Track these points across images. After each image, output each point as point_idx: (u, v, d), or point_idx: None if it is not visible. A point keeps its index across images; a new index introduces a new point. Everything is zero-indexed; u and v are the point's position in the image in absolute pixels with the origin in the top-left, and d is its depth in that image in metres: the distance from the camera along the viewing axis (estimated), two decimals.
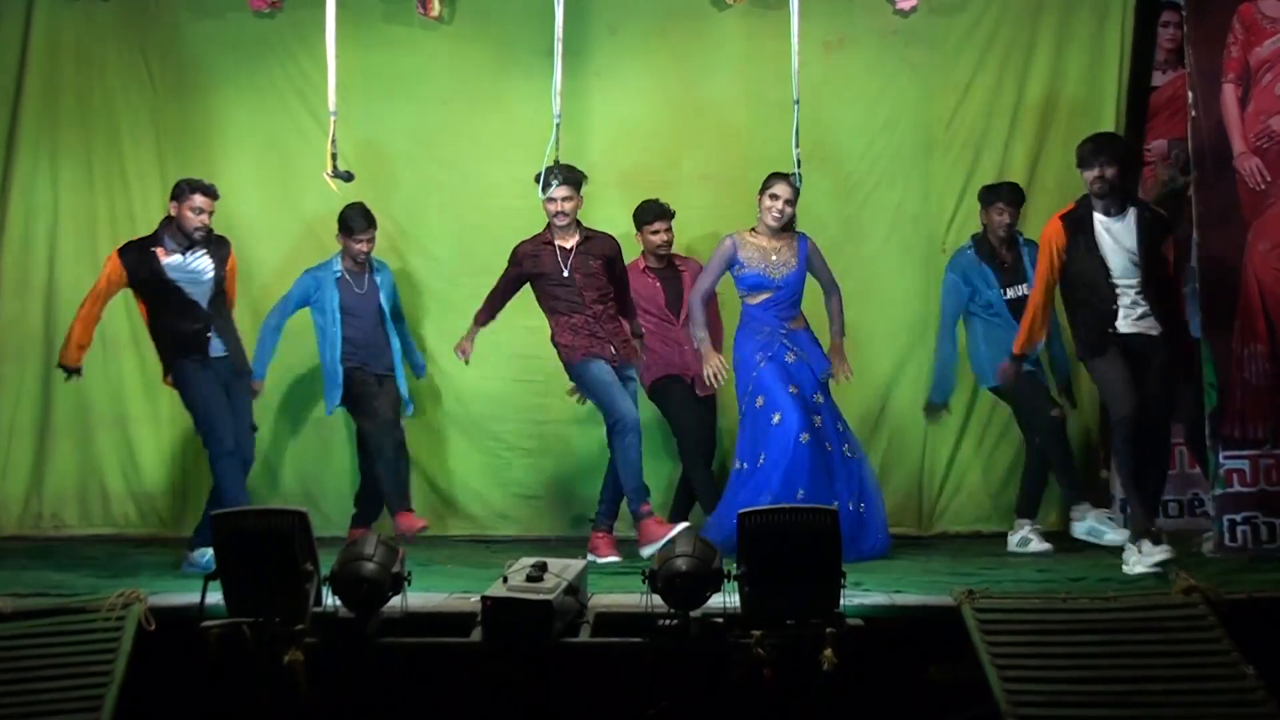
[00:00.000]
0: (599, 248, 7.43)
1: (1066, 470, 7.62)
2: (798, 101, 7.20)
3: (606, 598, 5.93)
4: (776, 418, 7.29)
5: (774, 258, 7.45)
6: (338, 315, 7.80)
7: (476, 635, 5.40)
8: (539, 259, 7.40)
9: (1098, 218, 6.81)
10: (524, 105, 8.27)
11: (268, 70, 8.57)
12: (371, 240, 7.86)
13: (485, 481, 8.47)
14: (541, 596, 5.31)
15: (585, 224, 7.53)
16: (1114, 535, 7.27)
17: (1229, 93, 7.40)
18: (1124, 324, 6.81)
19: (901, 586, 6.24)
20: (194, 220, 7.17)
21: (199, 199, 7.18)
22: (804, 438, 7.21)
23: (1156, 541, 6.60)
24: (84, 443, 8.46)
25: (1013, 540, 7.66)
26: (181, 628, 5.32)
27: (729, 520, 7.00)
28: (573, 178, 7.32)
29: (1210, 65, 7.42)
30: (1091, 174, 6.77)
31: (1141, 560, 6.57)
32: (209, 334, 7.19)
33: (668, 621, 5.32)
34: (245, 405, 7.38)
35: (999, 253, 7.71)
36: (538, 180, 7.26)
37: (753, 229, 7.51)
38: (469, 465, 8.52)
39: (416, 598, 5.62)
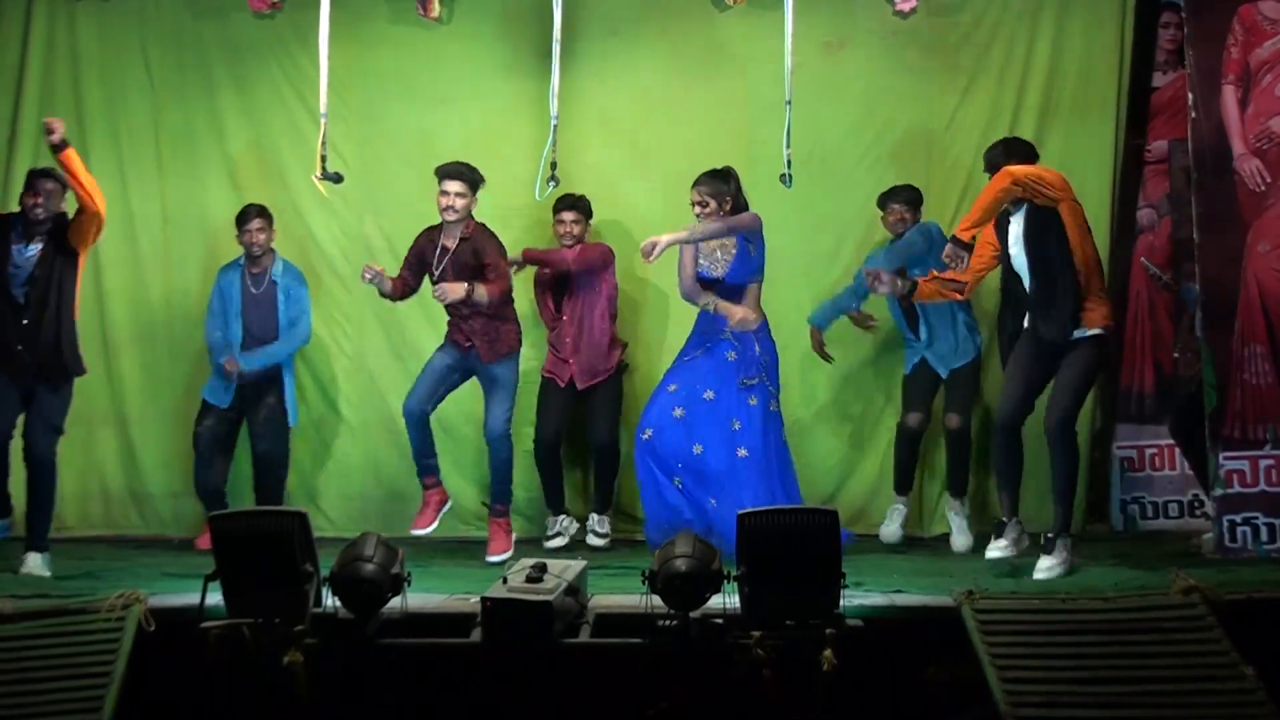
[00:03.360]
0: (470, 248, 7.47)
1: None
2: (789, 102, 7.20)
3: (606, 598, 5.93)
4: (679, 411, 7.28)
5: (718, 254, 7.40)
6: (238, 311, 7.89)
7: (476, 636, 5.40)
8: (424, 250, 7.53)
9: (1011, 217, 6.78)
10: (523, 106, 8.30)
11: (267, 71, 8.57)
12: (261, 231, 7.92)
13: (482, 482, 8.42)
14: (541, 597, 5.31)
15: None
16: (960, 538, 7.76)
17: (1229, 94, 7.40)
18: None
19: (901, 587, 6.24)
20: (29, 202, 7.01)
21: (38, 181, 7.05)
22: (697, 449, 7.23)
23: (998, 535, 6.90)
24: (84, 443, 8.43)
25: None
26: (181, 628, 5.32)
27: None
28: (467, 176, 7.46)
29: (1210, 66, 7.42)
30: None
31: (991, 548, 6.88)
32: (18, 347, 6.98)
33: (667, 622, 5.33)
34: (51, 406, 7.07)
35: None
36: (438, 173, 7.48)
37: None
38: (465, 466, 8.51)
39: (416, 598, 5.62)
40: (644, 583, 5.33)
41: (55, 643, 5.35)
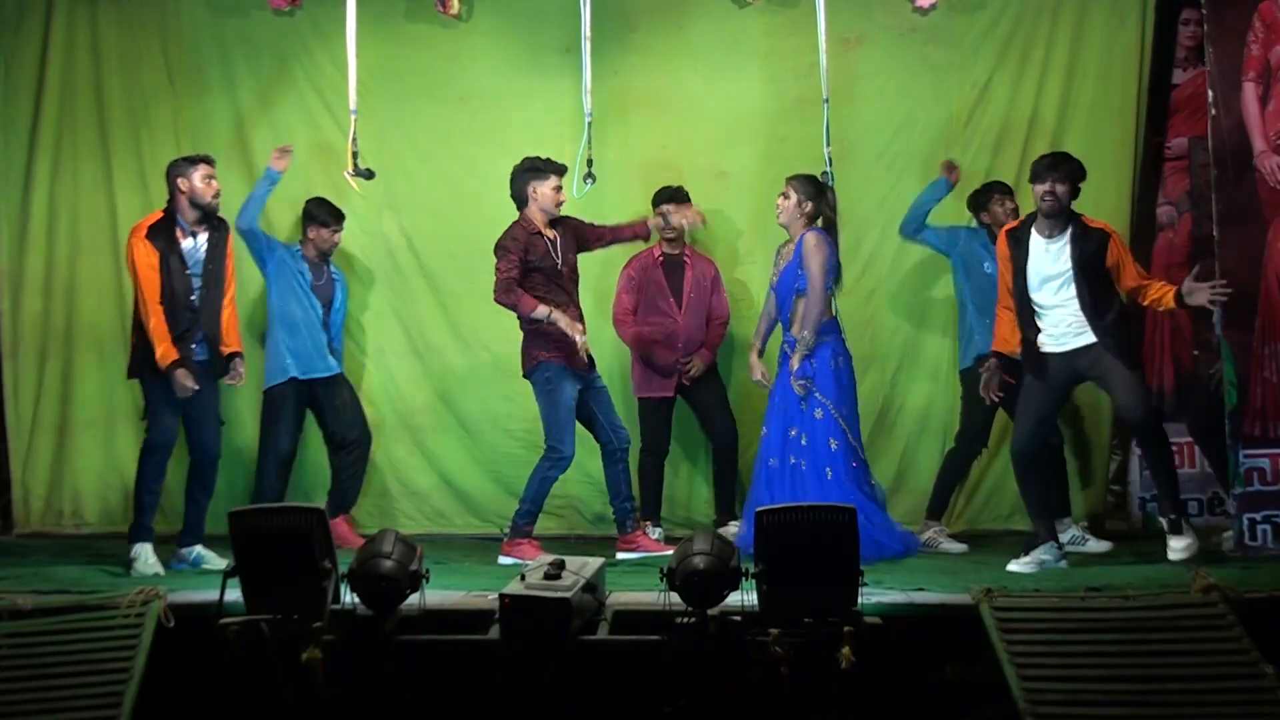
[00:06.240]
0: (571, 232, 7.51)
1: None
2: (827, 100, 7.25)
3: (624, 595, 5.94)
4: (773, 462, 7.37)
5: (780, 263, 7.51)
6: (310, 298, 7.92)
7: (494, 633, 5.41)
8: (534, 247, 7.39)
9: (1034, 238, 6.85)
10: (542, 103, 8.30)
11: (287, 68, 8.59)
12: (339, 234, 8.01)
13: (501, 480, 8.44)
14: (559, 594, 5.31)
15: (602, 221, 7.69)
16: (1094, 544, 7.62)
17: (1249, 91, 7.37)
18: (1051, 343, 6.84)
19: (920, 585, 6.23)
20: (209, 190, 7.05)
21: (205, 167, 7.09)
22: (772, 462, 7.32)
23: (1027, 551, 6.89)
24: (105, 440, 8.48)
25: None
26: (201, 625, 5.34)
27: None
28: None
29: (1231, 63, 7.39)
30: (1042, 188, 6.79)
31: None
32: (195, 341, 7.05)
33: (686, 620, 5.32)
34: (211, 402, 7.24)
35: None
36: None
37: None
38: (485, 463, 8.52)
39: (434, 595, 5.64)
40: (662, 580, 5.33)
41: (75, 638, 5.36)
